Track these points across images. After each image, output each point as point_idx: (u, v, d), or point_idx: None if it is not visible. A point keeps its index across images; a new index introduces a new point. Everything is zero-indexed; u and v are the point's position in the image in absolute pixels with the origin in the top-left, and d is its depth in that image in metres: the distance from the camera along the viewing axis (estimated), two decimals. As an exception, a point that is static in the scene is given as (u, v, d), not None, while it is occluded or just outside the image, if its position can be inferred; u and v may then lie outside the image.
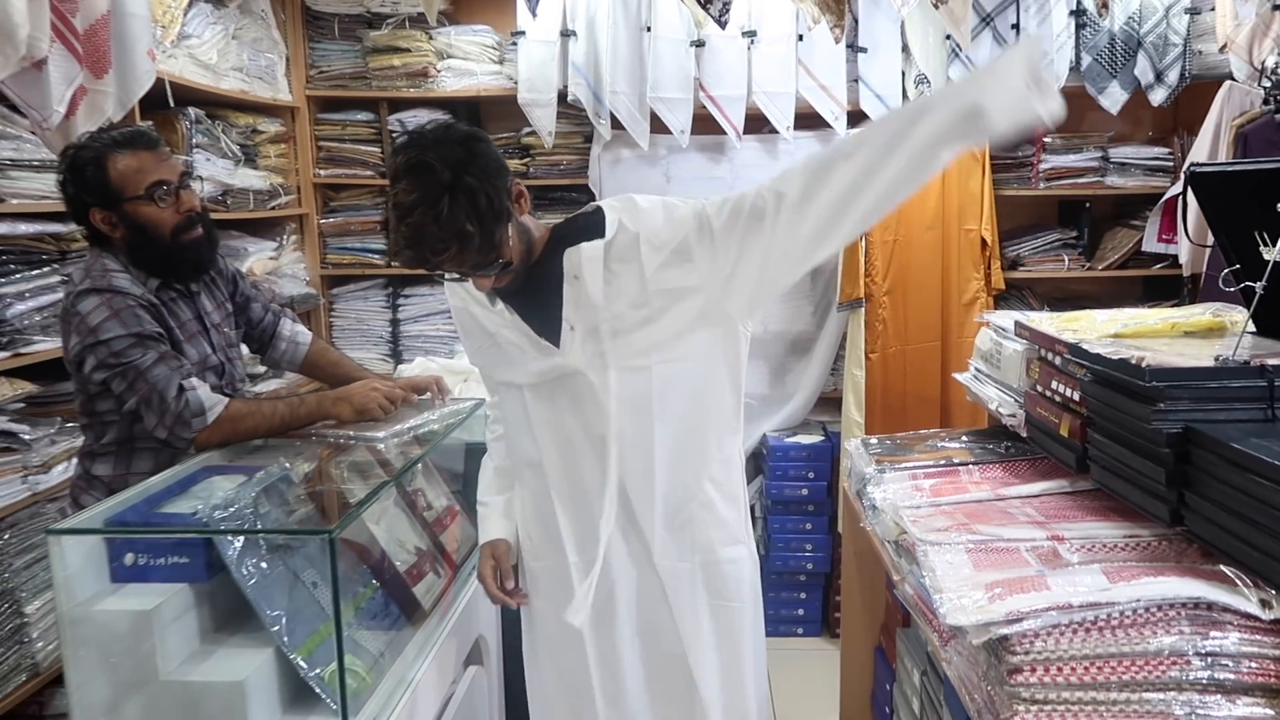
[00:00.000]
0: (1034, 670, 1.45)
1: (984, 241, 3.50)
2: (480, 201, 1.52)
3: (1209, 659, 1.42)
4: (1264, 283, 1.75)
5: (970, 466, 2.34)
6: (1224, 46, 3.37)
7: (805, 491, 3.59)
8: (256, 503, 1.51)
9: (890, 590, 2.89)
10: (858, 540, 2.92)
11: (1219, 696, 1.42)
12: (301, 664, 1.43)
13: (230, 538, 1.42)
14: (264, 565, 1.46)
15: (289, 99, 3.65)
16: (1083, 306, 2.74)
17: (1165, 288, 3.70)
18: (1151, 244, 3.59)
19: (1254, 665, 1.42)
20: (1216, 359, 1.70)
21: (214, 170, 3.09)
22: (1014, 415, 2.30)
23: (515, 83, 3.61)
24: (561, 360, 1.67)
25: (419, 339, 3.89)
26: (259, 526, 1.48)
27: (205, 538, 1.42)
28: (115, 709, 1.33)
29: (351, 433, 1.97)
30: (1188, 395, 1.63)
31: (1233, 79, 3.40)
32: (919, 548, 1.84)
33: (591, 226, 1.70)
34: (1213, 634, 1.43)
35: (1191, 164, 2.03)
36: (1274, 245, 1.71)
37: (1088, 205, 3.79)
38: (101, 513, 1.53)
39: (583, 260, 1.65)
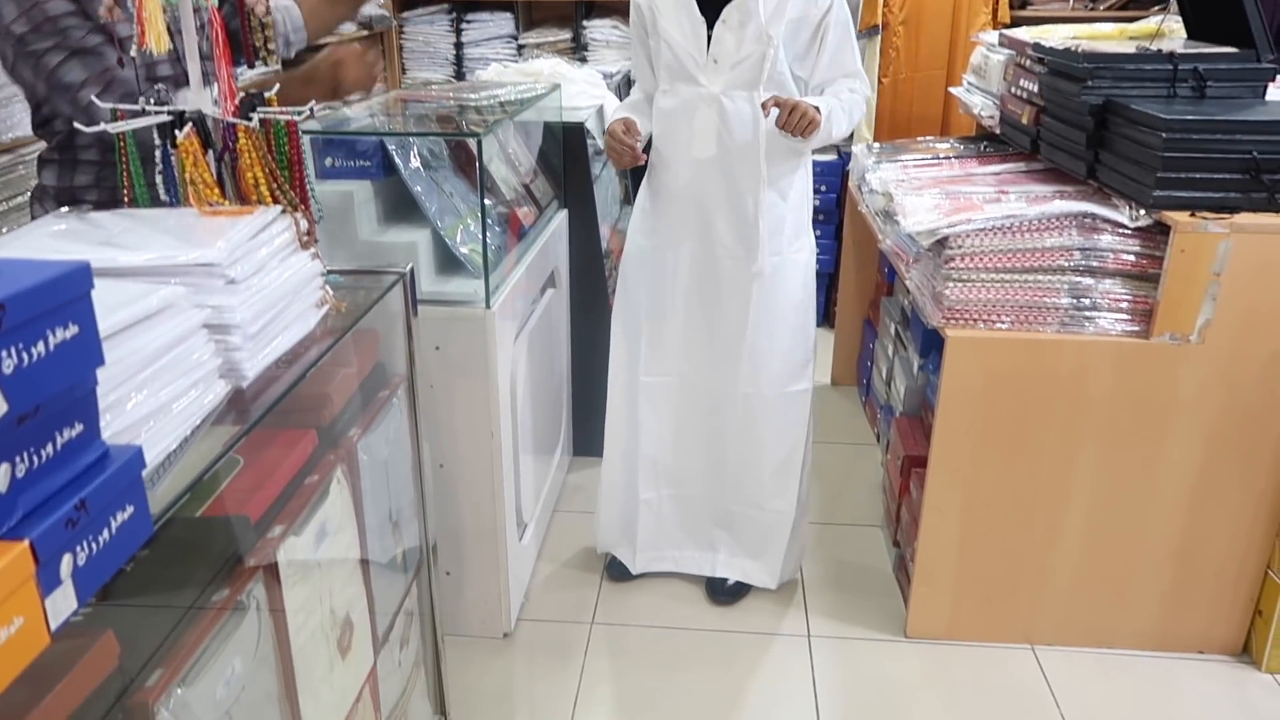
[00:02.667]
0: (963, 259, 2.06)
1: (995, -24, 3.84)
2: None
3: (1087, 252, 2.03)
4: (1184, -15, 2.20)
5: (952, 159, 2.88)
6: None
7: (817, 202, 4.14)
8: (413, 122, 2.05)
9: (879, 271, 3.52)
10: (856, 231, 3.52)
11: (1090, 279, 2.03)
12: (451, 241, 2.06)
13: (400, 142, 2.00)
14: (421, 170, 2.06)
15: None
16: (1066, 29, 3.15)
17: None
18: (1150, -16, 3.93)
19: (1118, 257, 2.02)
20: (1137, 49, 2.19)
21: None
22: (992, 116, 2.81)
23: None
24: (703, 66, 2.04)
25: (480, 61, 4.33)
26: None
27: (382, 145, 2.01)
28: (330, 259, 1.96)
29: (451, 94, 2.49)
30: (1110, 75, 2.14)
31: None
32: (898, 198, 2.41)
33: None
34: (1092, 236, 2.03)
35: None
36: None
37: (1099, -54, 4.08)
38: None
39: None
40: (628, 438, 2.40)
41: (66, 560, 0.70)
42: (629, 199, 3.62)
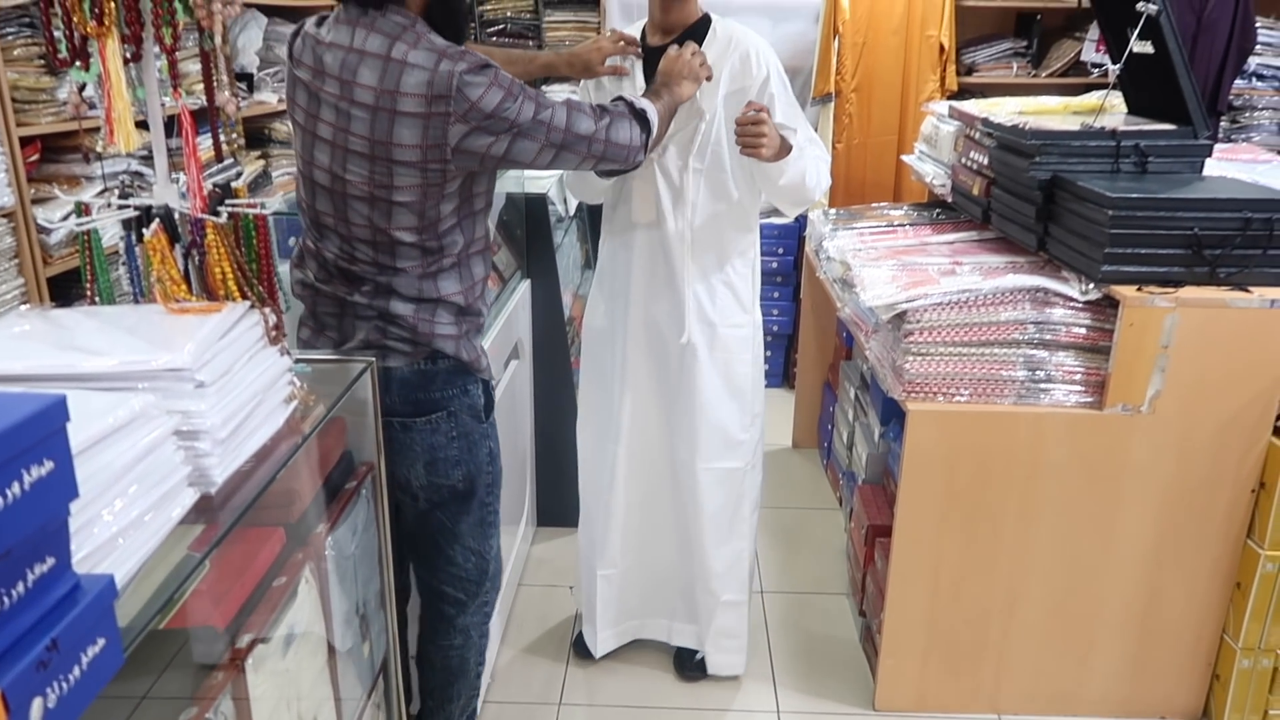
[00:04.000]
0: (921, 333, 2.10)
1: (942, 47, 3.98)
2: None
3: (1041, 326, 2.08)
4: (1121, 65, 2.30)
5: (906, 227, 2.95)
6: None
7: (775, 265, 4.21)
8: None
9: (838, 335, 3.57)
10: (813, 294, 3.58)
11: (1044, 351, 2.09)
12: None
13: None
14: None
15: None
16: (1012, 101, 3.27)
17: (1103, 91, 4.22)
18: (1090, 54, 4.09)
19: (1070, 331, 2.08)
20: (1082, 126, 2.28)
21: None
22: (944, 185, 2.89)
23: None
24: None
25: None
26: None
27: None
28: (294, 342, 1.95)
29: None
30: (1056, 151, 2.22)
31: (1173, -98, 3.81)
32: (855, 270, 2.46)
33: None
34: (1045, 310, 2.08)
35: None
36: (1135, 37, 2.25)
37: (1039, 17, 4.25)
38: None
39: (751, 48, 2.02)
40: (591, 508, 2.39)
41: (38, 705, 0.69)
42: (590, 263, 3.65)
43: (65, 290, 2.58)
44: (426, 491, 1.71)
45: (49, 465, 0.70)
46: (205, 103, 1.30)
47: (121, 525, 0.91)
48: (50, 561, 0.73)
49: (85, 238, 1.29)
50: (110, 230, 1.37)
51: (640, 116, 1.77)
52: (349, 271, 1.62)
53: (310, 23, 1.60)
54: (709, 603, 2.33)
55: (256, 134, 3.67)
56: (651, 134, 1.80)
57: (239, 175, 1.41)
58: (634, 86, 2.09)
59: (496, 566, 1.90)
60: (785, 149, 2.00)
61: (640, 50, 2.11)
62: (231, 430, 1.12)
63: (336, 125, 1.53)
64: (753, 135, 1.94)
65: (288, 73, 1.62)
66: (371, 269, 1.60)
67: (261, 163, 3.56)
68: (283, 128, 3.73)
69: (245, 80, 3.46)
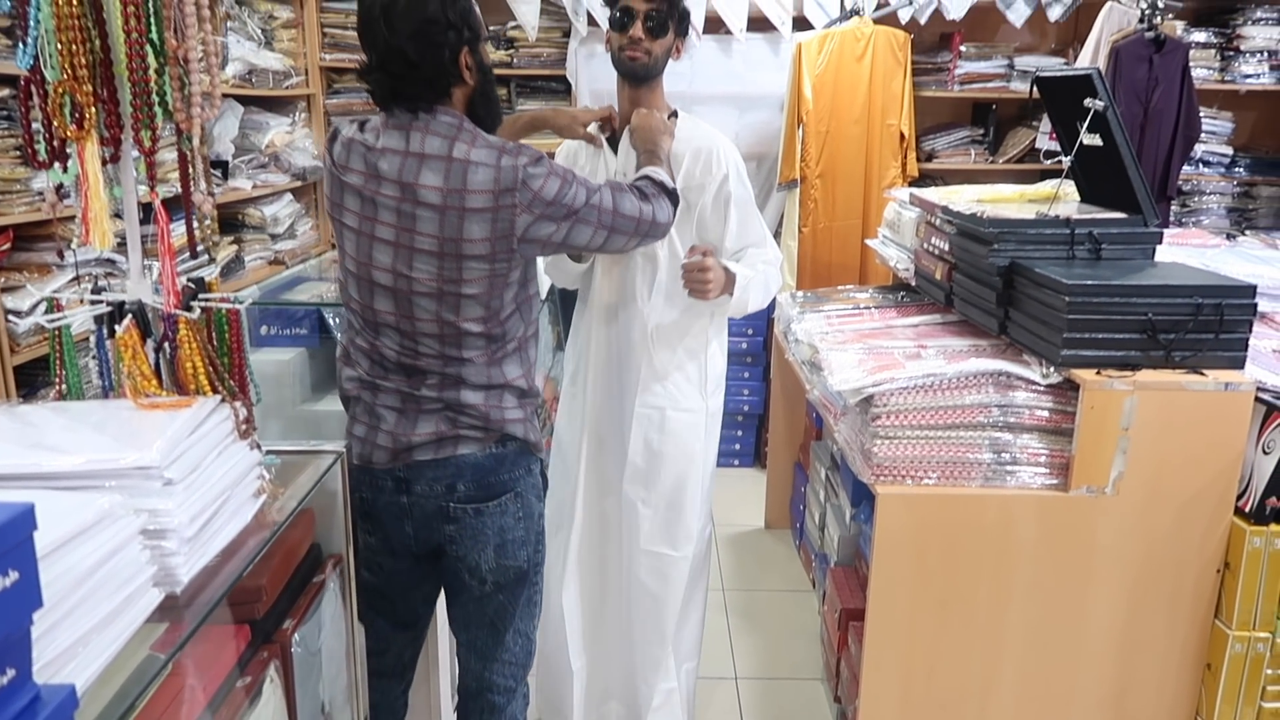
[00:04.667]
0: (889, 417, 2.13)
1: (902, 135, 4.11)
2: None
3: (1005, 409, 2.12)
4: (1072, 157, 2.39)
5: (872, 310, 3.00)
6: (1111, -28, 3.97)
7: (745, 345, 4.26)
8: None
9: (808, 415, 3.61)
10: (784, 375, 3.62)
11: (1008, 434, 2.12)
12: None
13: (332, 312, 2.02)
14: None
15: (299, -13, 4.09)
16: (971, 187, 3.37)
17: (1056, 178, 4.36)
18: (1044, 142, 4.25)
19: (1033, 413, 2.11)
20: (1037, 214, 2.36)
21: (243, 51, 3.56)
22: (907, 269, 2.95)
23: (502, -20, 4.08)
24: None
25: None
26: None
27: (319, 310, 2.03)
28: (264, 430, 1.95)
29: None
30: (1014, 238, 2.29)
31: (1117, 0, 4.01)
32: (823, 354, 2.50)
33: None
34: (1008, 393, 2.12)
35: (1034, 72, 2.65)
36: (1085, 131, 2.34)
37: (994, 107, 4.41)
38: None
39: (715, 146, 2.09)
40: (554, 603, 2.36)
41: (-8, 824, 0.67)
42: (561, 345, 3.68)
43: (32, 378, 2.55)
44: (495, 574, 1.73)
45: (14, 576, 0.70)
46: (180, 190, 1.33)
47: (84, 630, 0.90)
48: (10, 673, 0.72)
49: (56, 333, 1.30)
50: (82, 313, 1.37)
51: (672, 193, 1.87)
52: (412, 366, 1.66)
53: (351, 129, 1.65)
54: (650, 693, 2.32)
55: (230, 220, 3.70)
56: (679, 205, 1.90)
57: (212, 269, 1.42)
58: (604, 157, 2.18)
59: (535, 649, 1.91)
60: (731, 282, 2.07)
61: (615, 126, 2.18)
62: (199, 528, 1.11)
63: (399, 226, 1.58)
64: (698, 281, 2.02)
65: (331, 177, 1.66)
66: (437, 361, 1.65)
67: (234, 248, 3.58)
68: (256, 213, 3.76)
69: (220, 167, 3.50)
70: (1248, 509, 2.06)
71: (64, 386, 1.31)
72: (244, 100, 3.72)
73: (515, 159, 1.57)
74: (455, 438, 1.66)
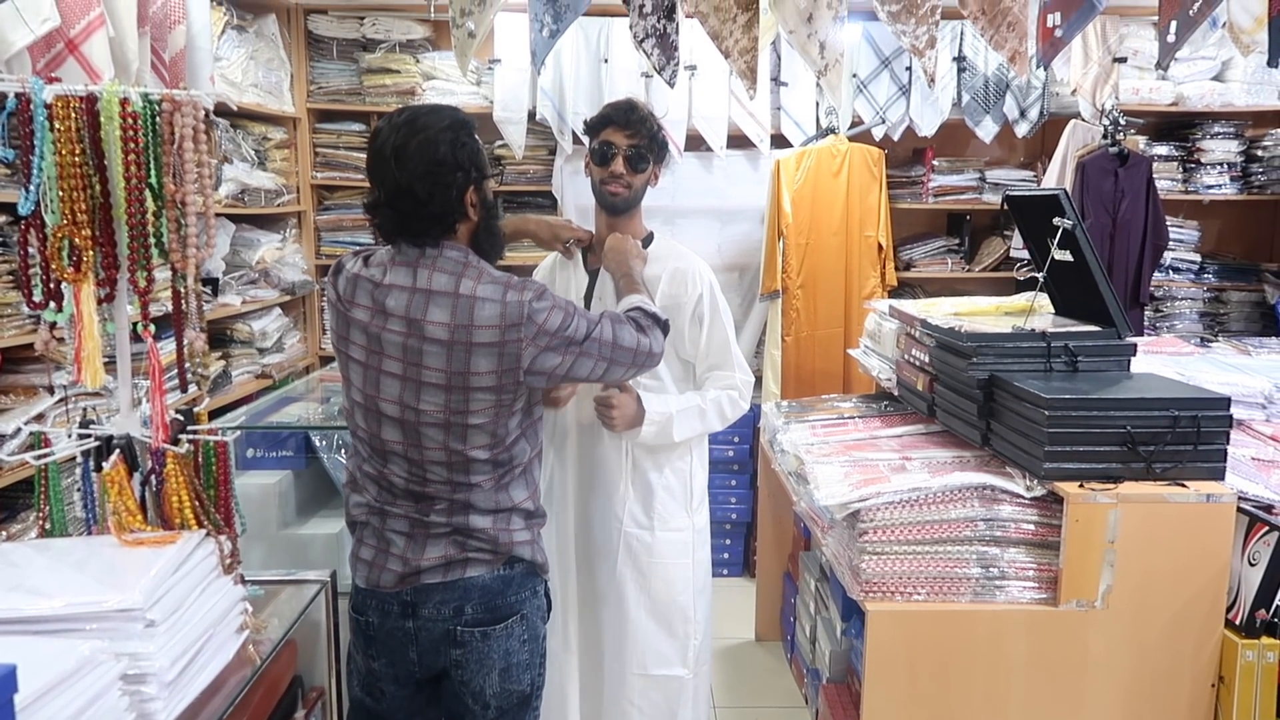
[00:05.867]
0: (876, 532, 2.13)
1: (880, 246, 4.22)
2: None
3: (990, 523, 2.13)
4: (1044, 273, 2.46)
5: (856, 420, 3.03)
6: (1074, 90, 4.15)
7: (731, 453, 4.27)
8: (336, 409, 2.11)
9: (796, 525, 3.59)
10: (770, 483, 3.61)
11: (995, 548, 2.12)
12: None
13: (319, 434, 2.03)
14: (341, 458, 2.08)
15: (292, 111, 4.21)
16: (949, 298, 3.44)
17: (1030, 286, 4.46)
18: (1018, 250, 4.36)
19: (1019, 527, 2.12)
20: (1013, 328, 2.41)
21: (236, 172, 3.65)
22: (889, 379, 3.00)
23: (491, 102, 4.22)
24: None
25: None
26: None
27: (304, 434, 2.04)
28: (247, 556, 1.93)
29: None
30: (992, 353, 2.34)
31: (1080, 118, 4.18)
32: (809, 466, 2.51)
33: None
34: (993, 506, 2.13)
35: (1005, 191, 2.75)
36: (1055, 247, 2.42)
37: (968, 218, 4.54)
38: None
39: (690, 267, 2.17)
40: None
41: None
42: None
43: (13, 500, 2.53)
44: (499, 699, 1.71)
45: (-7, 740, 0.69)
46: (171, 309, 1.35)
47: (59, 786, 0.88)
48: (-16, 842, 0.71)
49: (42, 470, 1.30)
50: (69, 447, 1.37)
51: (664, 324, 1.91)
52: (420, 493, 1.67)
53: (355, 264, 1.69)
54: None
55: (220, 334, 3.73)
56: (668, 333, 1.94)
57: (201, 400, 1.44)
58: (573, 273, 2.26)
59: None
60: (639, 419, 2.10)
61: (589, 241, 2.26)
62: (180, 670, 1.10)
63: (407, 361, 1.62)
64: (601, 414, 2.10)
65: (336, 312, 1.70)
66: (445, 488, 1.67)
67: (222, 363, 3.60)
68: (244, 328, 3.80)
69: (210, 284, 3.55)
70: (1238, 621, 2.06)
71: (47, 524, 1.31)
72: (235, 219, 3.80)
73: (521, 294, 1.62)
74: (464, 560, 1.67)
